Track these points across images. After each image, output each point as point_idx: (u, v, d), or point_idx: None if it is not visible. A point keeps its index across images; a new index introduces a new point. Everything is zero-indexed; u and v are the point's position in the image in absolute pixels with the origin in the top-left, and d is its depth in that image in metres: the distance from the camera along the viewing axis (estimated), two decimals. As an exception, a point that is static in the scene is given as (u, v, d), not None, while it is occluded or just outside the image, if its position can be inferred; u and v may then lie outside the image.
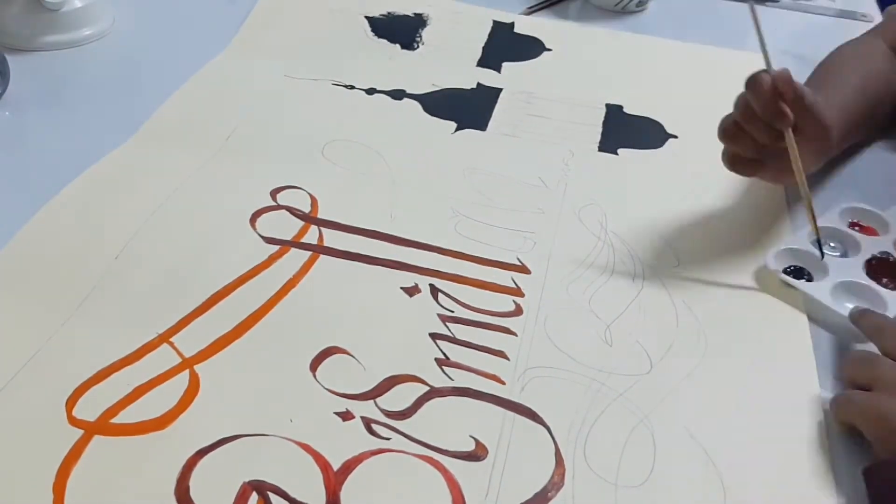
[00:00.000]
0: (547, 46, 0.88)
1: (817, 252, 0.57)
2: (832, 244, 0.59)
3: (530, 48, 0.88)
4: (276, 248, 0.57)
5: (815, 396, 0.49)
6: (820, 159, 0.62)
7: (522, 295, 0.55)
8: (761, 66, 0.54)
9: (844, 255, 0.59)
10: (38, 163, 0.65)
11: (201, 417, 0.45)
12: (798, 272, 0.57)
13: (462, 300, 0.54)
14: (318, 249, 0.58)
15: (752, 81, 0.54)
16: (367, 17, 0.89)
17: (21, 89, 0.74)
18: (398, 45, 0.86)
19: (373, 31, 0.88)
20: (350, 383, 0.48)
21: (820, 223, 0.58)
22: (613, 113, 0.78)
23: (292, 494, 0.41)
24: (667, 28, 0.94)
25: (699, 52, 0.89)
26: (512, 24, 0.91)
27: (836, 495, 0.44)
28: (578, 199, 0.65)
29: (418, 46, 0.86)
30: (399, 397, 0.47)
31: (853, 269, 0.57)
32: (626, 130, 0.75)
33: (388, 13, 0.91)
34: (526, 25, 0.91)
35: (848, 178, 0.70)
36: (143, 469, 0.42)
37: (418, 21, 0.88)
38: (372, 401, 0.47)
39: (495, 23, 0.91)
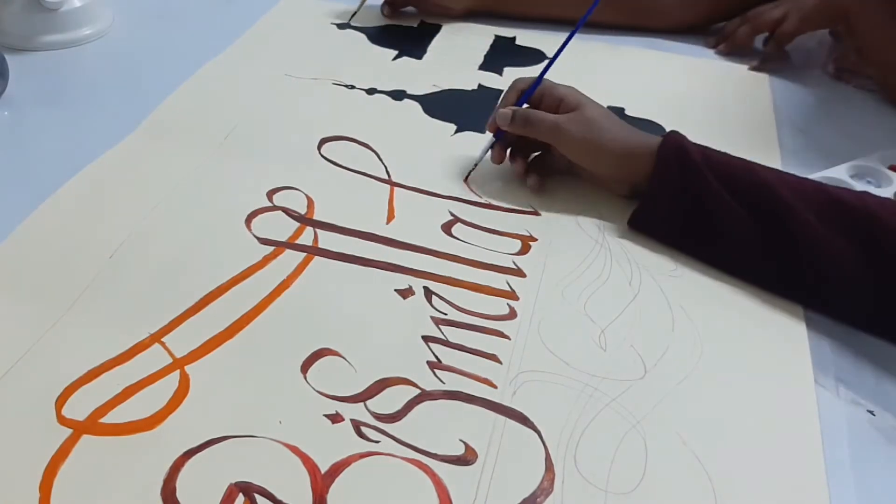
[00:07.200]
0: (548, 56, 0.88)
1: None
2: (869, 179, 0.68)
3: (531, 57, 0.88)
4: (270, 248, 0.57)
5: (811, 405, 0.48)
6: None
7: (517, 298, 0.55)
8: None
9: (878, 186, 0.67)
10: (38, 162, 0.66)
11: (190, 418, 0.45)
12: None
13: (456, 303, 0.54)
14: (313, 251, 0.57)
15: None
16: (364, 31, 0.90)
17: (20, 89, 0.74)
18: (398, 52, 0.87)
19: (374, 43, 0.89)
20: (341, 385, 0.47)
21: (861, 162, 0.68)
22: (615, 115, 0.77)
23: (279, 496, 0.41)
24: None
25: (697, 63, 0.89)
26: (514, 38, 0.91)
27: (829, 504, 0.43)
28: (576, 202, 0.64)
29: (422, 56, 0.86)
30: (389, 400, 0.47)
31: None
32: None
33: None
34: (527, 39, 0.91)
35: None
36: (130, 469, 0.42)
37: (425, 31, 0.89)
38: (362, 403, 0.46)
39: (497, 37, 0.91)
